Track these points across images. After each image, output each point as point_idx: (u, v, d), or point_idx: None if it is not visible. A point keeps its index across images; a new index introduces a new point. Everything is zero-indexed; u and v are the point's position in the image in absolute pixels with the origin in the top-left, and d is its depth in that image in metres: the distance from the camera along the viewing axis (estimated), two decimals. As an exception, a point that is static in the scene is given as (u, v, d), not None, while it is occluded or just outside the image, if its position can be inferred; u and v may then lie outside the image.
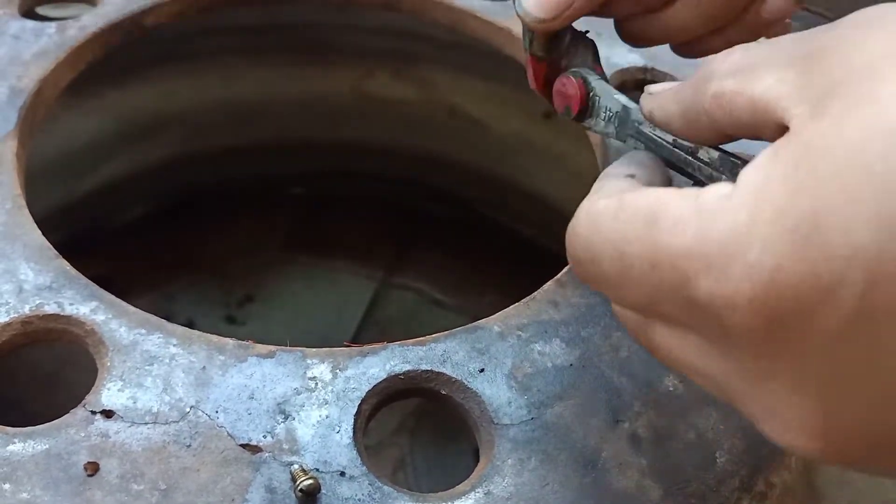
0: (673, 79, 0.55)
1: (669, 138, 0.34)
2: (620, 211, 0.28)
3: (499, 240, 0.90)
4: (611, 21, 0.47)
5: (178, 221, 0.88)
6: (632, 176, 0.33)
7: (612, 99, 0.38)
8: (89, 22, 0.56)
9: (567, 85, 0.40)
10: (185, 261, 0.87)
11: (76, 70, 0.54)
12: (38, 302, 0.38)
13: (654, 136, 0.35)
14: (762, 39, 0.33)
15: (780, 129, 0.26)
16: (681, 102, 0.32)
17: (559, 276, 0.43)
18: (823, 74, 0.25)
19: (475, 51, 0.68)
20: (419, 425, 0.78)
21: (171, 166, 0.88)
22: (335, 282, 0.88)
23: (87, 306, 0.39)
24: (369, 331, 0.85)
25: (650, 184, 0.32)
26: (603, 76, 0.40)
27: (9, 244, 0.41)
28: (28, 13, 0.58)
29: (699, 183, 0.33)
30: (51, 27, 0.55)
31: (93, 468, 0.34)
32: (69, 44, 0.54)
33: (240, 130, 0.89)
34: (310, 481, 0.34)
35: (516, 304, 0.41)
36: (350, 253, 0.91)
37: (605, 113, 0.38)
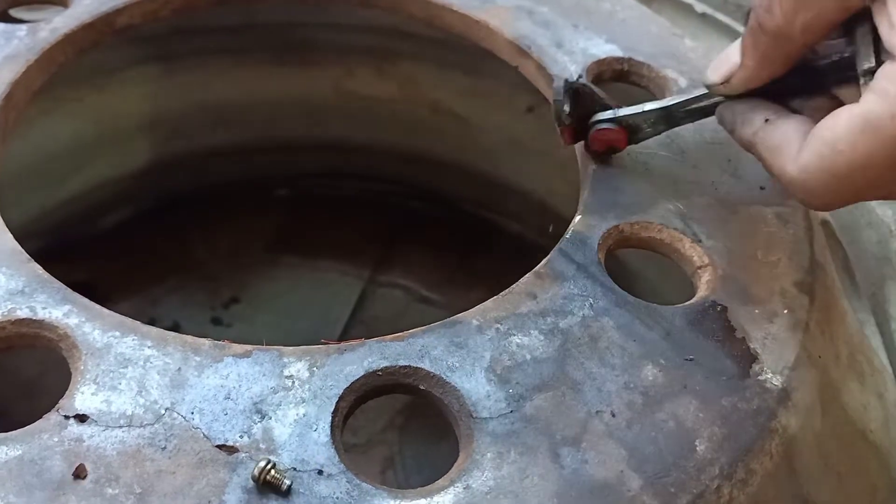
0: (650, 69, 0.55)
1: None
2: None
3: (484, 235, 0.90)
4: (586, 9, 0.47)
5: (161, 224, 0.88)
6: (767, 120, 0.39)
7: (643, 111, 0.46)
8: (61, 24, 0.55)
9: (606, 132, 0.47)
10: (170, 264, 0.87)
11: (48, 72, 0.53)
12: (10, 307, 0.38)
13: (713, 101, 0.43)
14: None
15: None
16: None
17: (537, 268, 0.43)
18: None
19: (455, 46, 0.68)
20: (408, 423, 0.78)
21: (153, 169, 0.87)
22: (321, 282, 0.88)
23: (60, 310, 0.38)
24: (356, 330, 0.84)
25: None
26: (611, 100, 0.47)
27: (-21, 249, 0.40)
28: (1, 16, 0.57)
29: None
30: (21, 29, 0.54)
31: (81, 471, 0.33)
32: (40, 46, 0.53)
33: (222, 132, 0.88)
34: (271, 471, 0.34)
35: (494, 297, 0.41)
36: (336, 252, 0.90)
37: (647, 123, 0.46)
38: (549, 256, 0.43)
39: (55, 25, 0.55)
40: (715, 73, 0.42)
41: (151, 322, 0.79)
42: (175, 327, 0.79)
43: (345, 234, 0.92)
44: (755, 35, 0.39)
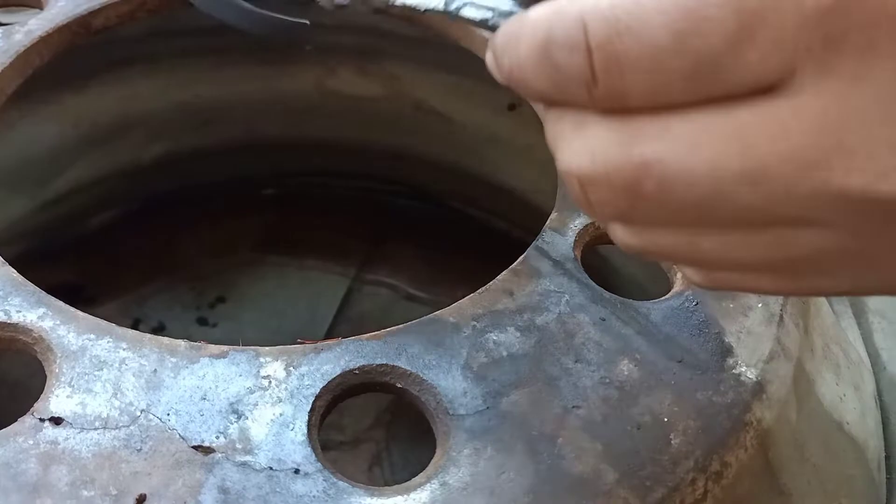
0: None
1: None
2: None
3: (470, 232, 0.90)
4: None
5: (146, 225, 0.87)
6: None
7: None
8: (36, 26, 0.55)
9: None
10: (155, 264, 0.87)
11: (23, 75, 0.53)
12: (-16, 311, 0.38)
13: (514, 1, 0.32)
14: None
15: None
16: None
17: (514, 265, 0.43)
18: None
19: (436, 44, 0.68)
20: (395, 419, 0.78)
21: (136, 170, 0.87)
22: (307, 280, 0.88)
23: (35, 313, 0.38)
24: (342, 328, 0.84)
25: None
26: None
27: (-46, 253, 0.40)
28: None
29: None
30: (-5, 31, 0.54)
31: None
32: (15, 49, 0.53)
33: (205, 132, 0.88)
34: None
35: (471, 294, 0.41)
36: (321, 251, 0.91)
37: None
38: (525, 253, 0.44)
39: (30, 28, 0.55)
40: None
41: (136, 322, 0.80)
42: (160, 327, 0.79)
43: (331, 233, 0.92)
44: None
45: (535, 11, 0.26)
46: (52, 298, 0.39)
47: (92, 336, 0.38)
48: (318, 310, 0.86)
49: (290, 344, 0.39)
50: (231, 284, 0.87)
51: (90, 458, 0.34)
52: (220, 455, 0.35)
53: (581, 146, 0.26)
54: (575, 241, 0.44)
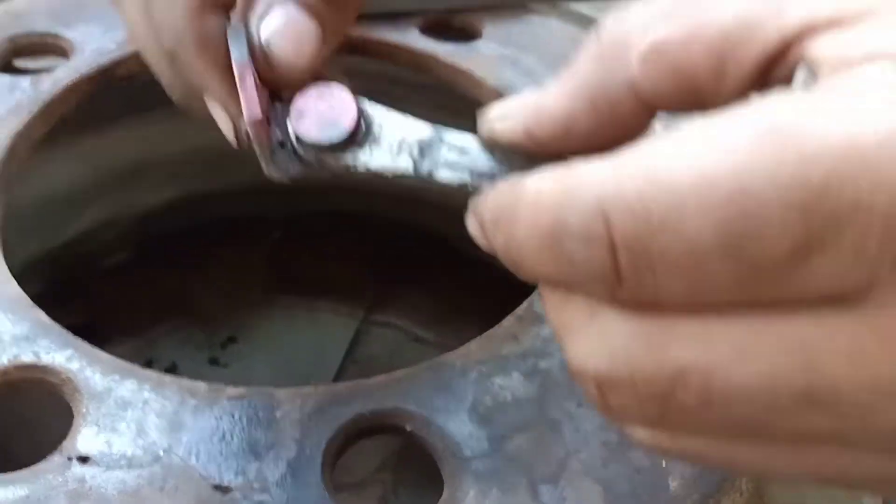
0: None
1: (521, 160, 0.28)
2: None
3: (477, 275, 0.92)
4: (568, 59, 0.47)
5: (158, 266, 0.89)
6: None
7: (405, 122, 0.31)
8: (63, 75, 0.57)
9: (330, 95, 0.31)
10: (167, 305, 0.89)
11: (50, 124, 0.56)
12: (15, 352, 0.40)
13: (493, 161, 0.28)
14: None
15: (772, 53, 0.22)
16: (579, 95, 0.26)
17: (518, 310, 0.44)
18: None
19: (443, 91, 0.70)
20: (402, 462, 0.79)
21: (150, 212, 0.89)
22: (317, 321, 0.89)
23: (63, 355, 0.40)
24: (351, 369, 0.86)
25: None
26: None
27: (-15, 296, 0.42)
28: (4, 67, 0.60)
29: None
30: (24, 81, 0.56)
31: None
32: (43, 98, 0.55)
33: (217, 174, 0.90)
34: None
35: (478, 338, 0.43)
36: (331, 292, 0.92)
37: (395, 141, 0.30)
38: (529, 298, 0.45)
39: (57, 77, 0.57)
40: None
41: (149, 363, 0.81)
42: (173, 367, 0.81)
43: (340, 274, 0.94)
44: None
45: (536, 185, 0.22)
46: (80, 340, 0.41)
47: (117, 377, 0.39)
48: (327, 350, 0.87)
49: (302, 384, 0.41)
50: (242, 325, 0.88)
51: (115, 496, 0.35)
52: (238, 494, 0.36)
53: (597, 343, 0.22)
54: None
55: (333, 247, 0.94)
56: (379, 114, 0.31)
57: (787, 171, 0.18)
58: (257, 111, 0.31)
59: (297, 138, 0.31)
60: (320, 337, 0.89)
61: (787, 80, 0.22)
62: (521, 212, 0.22)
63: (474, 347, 0.43)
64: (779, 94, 0.20)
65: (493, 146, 0.29)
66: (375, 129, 0.30)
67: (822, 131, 0.18)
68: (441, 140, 0.30)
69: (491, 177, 0.28)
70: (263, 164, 0.32)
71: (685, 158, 0.19)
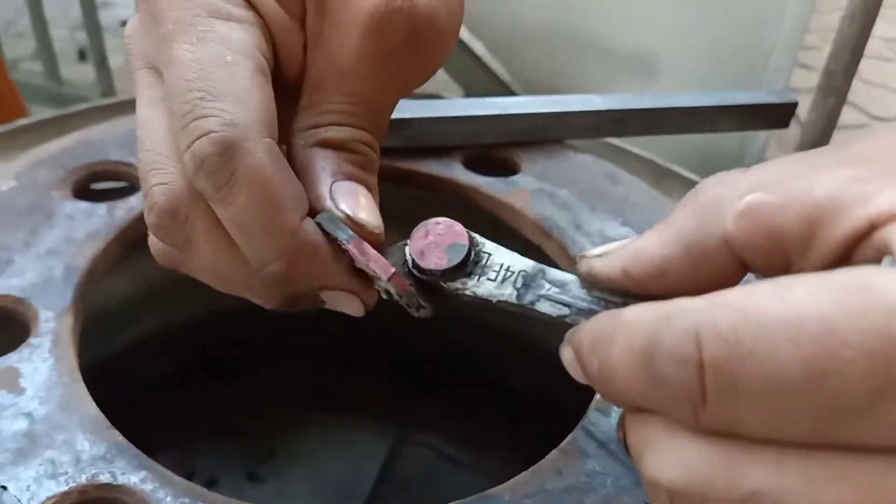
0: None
1: (616, 298, 0.30)
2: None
3: (510, 395, 0.94)
4: (601, 192, 0.47)
5: (200, 378, 0.92)
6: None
7: (511, 256, 0.34)
8: (136, 203, 0.62)
9: (447, 227, 0.34)
10: (208, 418, 0.91)
11: (124, 247, 0.59)
12: (93, 472, 0.42)
13: (590, 298, 0.31)
14: (748, 169, 0.29)
15: (859, 230, 0.24)
16: (675, 243, 0.28)
17: (563, 444, 0.47)
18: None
19: (481, 217, 0.74)
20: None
21: (194, 325, 0.93)
22: (351, 439, 0.91)
23: (137, 476, 0.42)
24: (385, 487, 0.87)
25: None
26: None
27: (67, 416, 0.45)
28: (81, 192, 0.64)
29: None
30: (101, 208, 0.61)
31: None
32: (118, 224, 0.59)
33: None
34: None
35: (524, 472, 0.45)
36: (365, 410, 0.94)
37: (501, 271, 0.33)
38: (573, 434, 0.48)
39: (131, 205, 0.61)
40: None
41: (190, 475, 0.83)
42: (213, 481, 0.83)
43: (374, 392, 0.96)
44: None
45: (635, 312, 0.24)
46: (152, 462, 0.43)
47: (187, 500, 0.42)
48: (362, 468, 0.89)
49: (336, 502, 0.43)
50: (279, 440, 0.90)
51: None
52: None
53: (674, 458, 0.23)
54: (618, 422, 0.48)
55: (368, 365, 0.96)
56: (487, 245, 0.34)
57: (873, 321, 0.20)
58: (390, 267, 0.35)
59: (420, 271, 0.35)
60: (354, 455, 0.91)
61: (868, 262, 0.25)
62: (618, 335, 0.25)
63: (520, 481, 0.45)
64: (867, 266, 0.22)
65: (592, 284, 0.31)
66: (483, 257, 0.33)
67: None
68: (543, 274, 0.32)
69: (589, 312, 0.30)
70: (412, 311, 0.36)
71: (777, 300, 0.21)
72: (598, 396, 0.50)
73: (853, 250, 0.25)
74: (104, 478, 0.42)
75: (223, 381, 0.93)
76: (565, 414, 0.51)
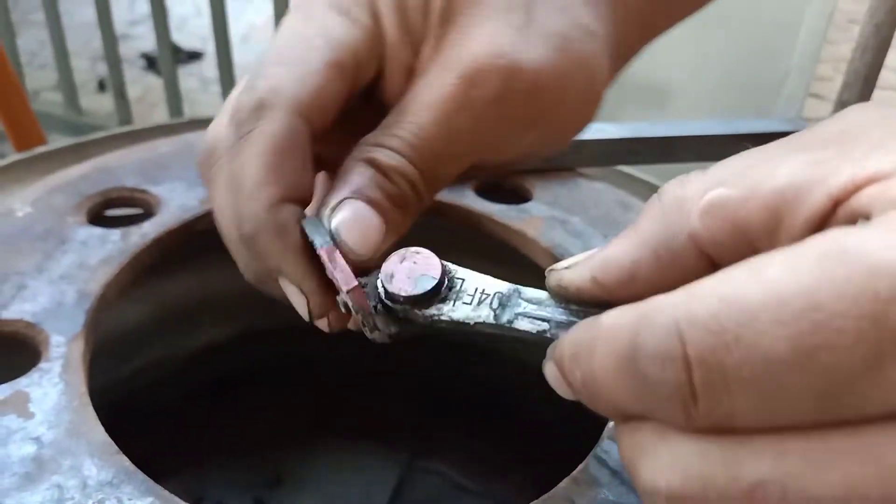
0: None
1: (595, 309, 0.30)
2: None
3: (520, 421, 0.93)
4: (613, 220, 0.47)
5: (209, 403, 0.92)
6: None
7: (485, 280, 0.34)
8: (149, 229, 0.62)
9: (412, 257, 0.34)
10: (216, 442, 0.90)
11: (136, 273, 0.60)
12: (100, 497, 0.42)
13: (569, 311, 0.30)
14: (708, 169, 0.28)
15: (823, 210, 0.23)
16: (642, 246, 0.28)
17: (574, 473, 0.46)
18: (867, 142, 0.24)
19: (494, 244, 0.74)
20: None
21: (204, 350, 0.93)
22: (361, 465, 0.91)
23: (144, 501, 0.42)
24: (395, 516, 0.87)
25: None
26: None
27: (75, 441, 0.45)
28: (95, 218, 0.64)
29: None
30: (115, 234, 0.61)
31: None
32: (131, 250, 0.60)
33: (269, 316, 0.94)
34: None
35: (536, 501, 0.45)
36: (375, 436, 0.94)
37: (477, 294, 0.33)
38: (585, 462, 0.47)
39: (145, 231, 0.61)
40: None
41: (199, 500, 0.82)
42: (221, 507, 0.82)
43: (384, 418, 0.95)
44: None
45: (613, 315, 0.24)
46: (160, 488, 0.43)
47: (194, 526, 0.41)
48: (372, 494, 0.88)
49: None
50: (288, 466, 0.90)
51: None
52: None
53: (669, 462, 0.23)
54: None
55: (378, 391, 0.96)
56: (460, 271, 0.35)
57: (856, 284, 0.19)
58: (353, 280, 0.34)
59: (388, 296, 0.35)
60: (364, 480, 0.90)
61: None
62: (598, 342, 0.24)
63: (533, 509, 0.44)
64: (838, 228, 0.22)
65: (565, 297, 0.31)
66: (457, 283, 0.34)
67: (884, 249, 0.20)
68: (519, 294, 0.32)
69: (569, 325, 0.30)
70: (366, 331, 0.36)
71: (755, 280, 0.21)
72: (611, 424, 0.49)
73: (820, 231, 0.24)
74: (110, 503, 0.42)
75: (232, 406, 0.93)
76: (577, 441, 0.50)
